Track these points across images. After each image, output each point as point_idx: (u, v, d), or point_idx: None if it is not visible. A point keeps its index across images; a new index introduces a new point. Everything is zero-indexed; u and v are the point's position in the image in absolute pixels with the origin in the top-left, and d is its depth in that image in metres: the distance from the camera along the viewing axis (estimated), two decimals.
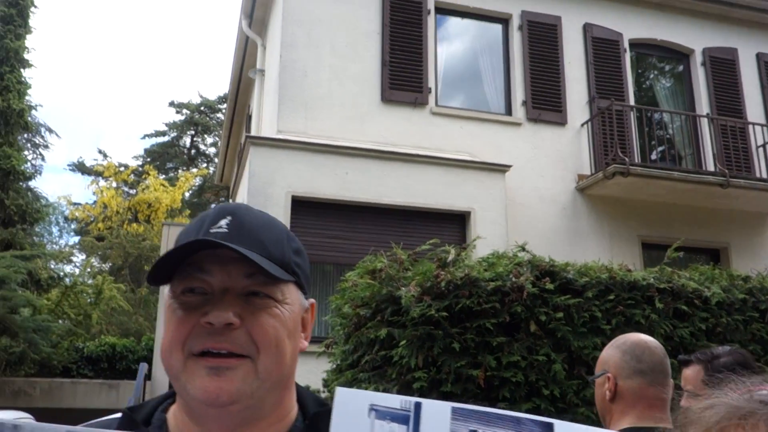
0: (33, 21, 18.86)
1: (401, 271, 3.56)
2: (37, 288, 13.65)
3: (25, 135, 18.83)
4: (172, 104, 30.08)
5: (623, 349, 1.91)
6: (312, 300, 1.00)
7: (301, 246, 0.98)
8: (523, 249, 3.72)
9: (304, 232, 7.63)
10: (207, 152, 30.70)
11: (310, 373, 6.12)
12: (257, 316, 0.86)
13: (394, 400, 0.83)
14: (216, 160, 28.32)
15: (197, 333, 0.84)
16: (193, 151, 30.41)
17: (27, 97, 18.17)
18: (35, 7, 18.88)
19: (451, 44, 9.55)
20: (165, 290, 0.93)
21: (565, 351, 3.47)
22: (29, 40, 18.60)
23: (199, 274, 0.86)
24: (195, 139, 30.40)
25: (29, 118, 18.33)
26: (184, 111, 30.03)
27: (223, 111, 29.11)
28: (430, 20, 9.14)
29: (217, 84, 52.95)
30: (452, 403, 0.85)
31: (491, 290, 3.36)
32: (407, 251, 3.80)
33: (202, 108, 30.02)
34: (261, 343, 0.85)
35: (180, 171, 27.75)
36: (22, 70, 18.07)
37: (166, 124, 29.91)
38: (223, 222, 0.89)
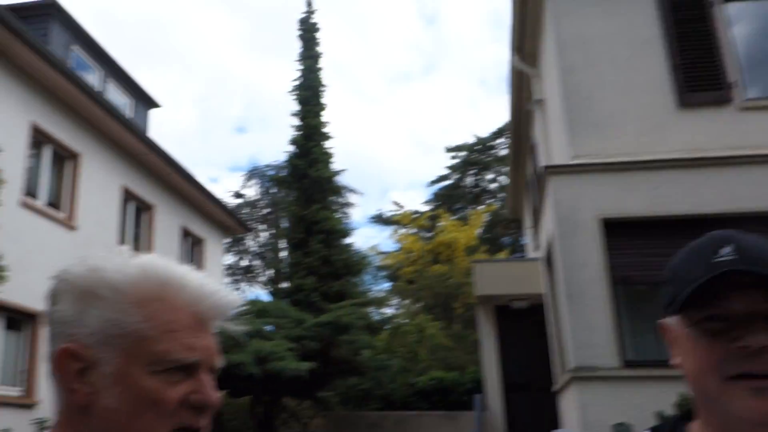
0: (324, 98, 21.66)
1: None
2: (370, 331, 15.42)
3: (332, 197, 21.47)
4: (448, 149, 31.86)
5: None
6: None
7: None
8: None
9: (620, 254, 7.55)
10: (489, 188, 31.71)
11: (663, 393, 6.04)
12: None
13: None
14: (499, 195, 29.12)
15: (730, 357, 0.89)
16: (477, 189, 31.66)
17: (331, 165, 20.85)
18: (323, 86, 21.69)
19: (747, 31, 8.78)
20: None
21: None
22: (324, 116, 21.39)
23: (718, 302, 0.91)
24: (477, 177, 31.65)
25: (336, 183, 21.02)
26: (460, 153, 31.54)
27: (498, 146, 29.96)
28: (717, 11, 8.55)
29: (485, 122, 54.72)
30: None
31: None
32: None
33: (476, 147, 31.23)
34: None
35: (468, 210, 29.05)
36: (323, 142, 20.81)
37: (448, 168, 31.71)
38: (725, 250, 0.93)
